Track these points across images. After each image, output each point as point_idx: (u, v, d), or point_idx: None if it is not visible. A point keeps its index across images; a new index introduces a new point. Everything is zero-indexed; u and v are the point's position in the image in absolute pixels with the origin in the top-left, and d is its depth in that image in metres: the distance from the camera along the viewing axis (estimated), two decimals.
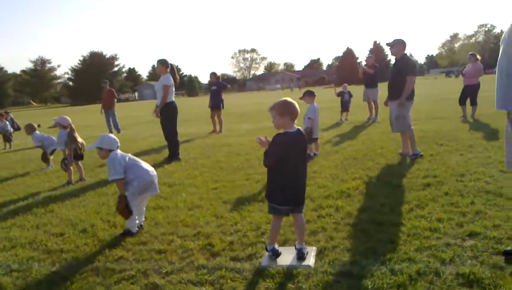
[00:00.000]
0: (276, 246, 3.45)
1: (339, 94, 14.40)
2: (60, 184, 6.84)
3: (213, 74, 13.46)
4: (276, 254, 3.37)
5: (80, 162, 7.03)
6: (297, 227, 3.47)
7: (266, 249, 3.45)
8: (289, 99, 3.34)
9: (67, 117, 6.97)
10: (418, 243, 3.45)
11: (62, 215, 5.05)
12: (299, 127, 3.35)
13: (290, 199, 3.31)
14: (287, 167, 3.26)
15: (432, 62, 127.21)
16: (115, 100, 15.73)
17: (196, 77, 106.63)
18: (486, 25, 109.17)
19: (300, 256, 3.33)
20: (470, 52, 12.85)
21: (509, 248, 3.14)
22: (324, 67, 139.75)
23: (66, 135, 6.78)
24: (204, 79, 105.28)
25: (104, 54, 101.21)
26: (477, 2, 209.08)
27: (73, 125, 6.86)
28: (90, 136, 11.76)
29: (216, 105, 13.07)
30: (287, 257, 3.37)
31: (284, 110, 3.26)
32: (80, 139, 6.89)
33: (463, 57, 77.09)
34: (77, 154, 6.87)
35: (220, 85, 13.40)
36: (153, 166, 4.57)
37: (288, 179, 3.28)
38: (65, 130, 6.79)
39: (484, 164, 5.90)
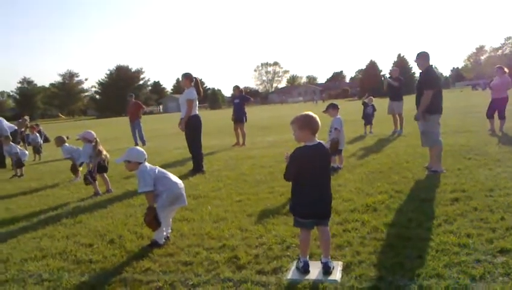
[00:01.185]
0: (308, 258, 3.44)
1: (364, 104, 14.34)
2: (88, 195, 7.00)
3: (236, 87, 13.61)
4: (306, 267, 3.36)
5: (105, 174, 7.18)
6: (322, 240, 3.46)
7: (299, 260, 3.45)
8: (310, 113, 3.38)
9: (91, 131, 7.15)
10: (447, 259, 3.39)
11: (90, 226, 5.16)
12: (321, 141, 3.37)
13: (313, 212, 3.32)
14: (308, 180, 3.30)
15: (458, 75, 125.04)
16: (141, 112, 16.03)
17: (219, 90, 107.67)
18: None
19: (326, 270, 3.31)
20: (497, 65, 12.62)
21: None
22: (347, 79, 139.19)
23: (91, 149, 6.94)
24: (228, 92, 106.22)
25: (129, 67, 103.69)
26: (503, 14, 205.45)
27: (98, 139, 7.04)
28: (117, 148, 12.02)
29: (239, 118, 13.18)
30: (313, 271, 3.36)
31: (304, 124, 3.31)
32: (104, 152, 7.06)
33: (489, 69, 75.53)
34: (101, 167, 7.02)
35: (242, 98, 13.52)
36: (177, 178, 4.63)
37: (310, 192, 3.30)
38: (90, 144, 6.96)
39: None
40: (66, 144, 8.74)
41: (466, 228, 4.06)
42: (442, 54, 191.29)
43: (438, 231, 4.06)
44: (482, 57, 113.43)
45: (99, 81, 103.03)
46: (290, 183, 3.43)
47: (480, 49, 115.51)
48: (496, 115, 11.53)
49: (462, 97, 38.80)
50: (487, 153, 7.90)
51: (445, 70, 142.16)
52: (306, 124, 3.30)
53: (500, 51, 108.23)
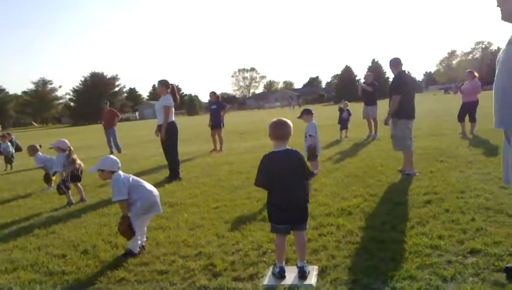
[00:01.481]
0: (283, 264, 3.45)
1: (340, 110, 14.51)
2: (61, 205, 6.85)
3: (213, 93, 13.59)
4: (281, 273, 3.37)
5: (79, 183, 7.06)
6: (297, 245, 3.49)
7: (275, 266, 3.46)
8: (281, 119, 3.44)
9: (65, 140, 7.03)
10: (419, 261, 3.45)
11: (64, 237, 5.05)
12: (289, 148, 3.40)
13: (285, 217, 3.35)
14: (277, 185, 3.34)
15: (430, 79, 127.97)
16: (116, 120, 15.82)
17: (196, 96, 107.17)
18: (483, 42, 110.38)
19: (302, 274, 3.33)
20: (468, 70, 12.96)
21: (510, 265, 3.15)
22: (323, 84, 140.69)
23: (65, 158, 6.83)
24: (205, 98, 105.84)
25: (105, 74, 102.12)
26: (474, 19, 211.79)
27: (71, 147, 6.92)
28: (92, 156, 11.82)
29: (216, 124, 13.17)
30: (289, 276, 3.37)
31: (270, 131, 3.42)
32: (78, 161, 6.95)
33: (461, 73, 77.69)
34: (74, 176, 6.91)
35: (219, 104, 13.52)
36: (153, 186, 4.60)
37: (281, 198, 3.33)
38: (64, 153, 6.84)
39: (484, 181, 5.92)
40: (39, 153, 8.55)
41: (438, 229, 4.15)
42: (416, 59, 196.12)
43: (411, 233, 4.14)
44: (454, 62, 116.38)
45: (73, 88, 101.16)
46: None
47: (452, 54, 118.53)
48: (466, 118, 11.84)
49: (434, 101, 39.72)
50: (458, 156, 8.10)
51: (418, 75, 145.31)
52: (271, 131, 3.42)
53: (470, 55, 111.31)
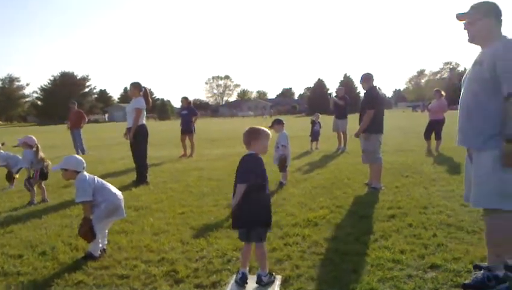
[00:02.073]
0: (246, 270, 3.43)
1: (312, 122, 14.68)
2: (22, 205, 6.61)
3: (184, 99, 13.49)
4: (243, 278, 3.35)
5: (42, 183, 6.85)
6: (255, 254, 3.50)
7: (238, 272, 3.45)
8: (249, 127, 3.49)
9: (32, 137, 6.84)
10: (381, 274, 3.50)
11: (22, 237, 4.87)
12: (246, 153, 3.42)
13: (233, 223, 3.45)
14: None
15: (400, 96, 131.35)
16: (84, 121, 15.45)
17: (169, 101, 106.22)
18: (451, 62, 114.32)
19: (258, 281, 3.34)
20: (435, 89, 13.38)
21: (468, 281, 3.23)
22: (296, 96, 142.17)
23: (33, 154, 6.62)
24: (177, 103, 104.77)
25: (75, 74, 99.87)
26: (443, 40, 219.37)
27: (39, 145, 6.73)
28: (56, 156, 11.46)
29: (187, 129, 13.07)
30: (251, 285, 3.35)
31: None
32: (45, 159, 6.76)
33: (429, 92, 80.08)
34: (43, 174, 6.71)
35: (191, 110, 13.42)
36: (119, 189, 4.51)
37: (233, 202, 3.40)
38: (31, 149, 6.63)
39: (446, 197, 6.09)
40: (1, 150, 8.24)
41: (400, 243, 4.23)
42: (386, 76, 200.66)
43: (374, 246, 4.19)
44: (423, 80, 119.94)
45: (41, 87, 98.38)
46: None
47: (421, 73, 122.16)
48: (433, 136, 12.18)
49: (403, 118, 40.72)
50: (423, 172, 8.31)
51: (388, 91, 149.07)
52: None
53: (439, 75, 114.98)
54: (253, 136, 3.39)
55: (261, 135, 3.39)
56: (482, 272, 3.22)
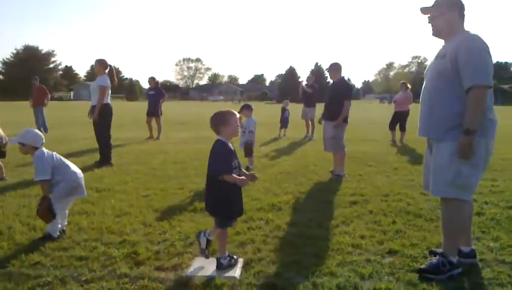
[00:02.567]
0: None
1: (282, 109, 14.74)
2: None
3: (152, 79, 13.20)
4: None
5: (0, 161, 6.59)
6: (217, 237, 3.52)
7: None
8: (216, 112, 3.41)
9: None
10: (340, 258, 3.57)
11: None
12: (216, 139, 3.35)
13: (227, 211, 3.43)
14: None
15: (368, 87, 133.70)
16: (47, 98, 14.93)
17: (137, 81, 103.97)
18: (419, 57, 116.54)
19: (218, 265, 3.35)
20: (401, 81, 13.67)
21: (423, 266, 3.34)
22: (267, 83, 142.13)
23: None
24: (146, 84, 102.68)
25: (40, 49, 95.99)
26: (412, 35, 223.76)
27: None
28: (16, 133, 11.09)
29: (154, 111, 12.84)
30: (212, 267, 3.36)
31: None
32: (4, 136, 6.49)
33: (396, 85, 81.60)
34: (1, 152, 6.45)
35: (158, 91, 13.17)
36: (82, 169, 4.39)
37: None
38: None
39: (407, 186, 6.26)
40: None
41: (361, 229, 4.33)
42: (356, 67, 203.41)
43: (335, 231, 4.28)
44: (391, 73, 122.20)
45: (3, 60, 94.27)
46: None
47: (390, 66, 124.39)
48: (397, 127, 12.47)
49: (370, 109, 41.50)
50: (386, 162, 8.51)
51: (357, 82, 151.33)
52: None
53: (407, 68, 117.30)
54: (222, 122, 3.29)
55: (230, 120, 3.30)
56: (437, 257, 3.34)
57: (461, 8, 3.30)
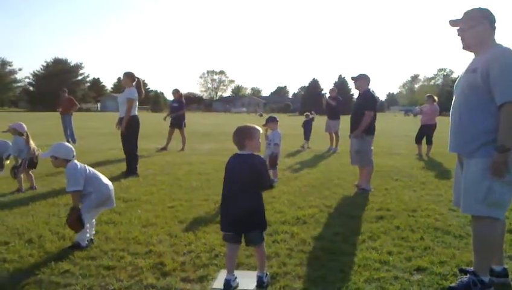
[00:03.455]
0: (229, 276, 3.28)
1: (305, 119, 14.81)
2: (9, 191, 6.55)
3: (176, 91, 13.41)
4: (226, 286, 3.22)
5: (30, 171, 6.77)
6: (256, 256, 3.45)
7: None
8: (239, 126, 3.41)
9: (23, 124, 6.75)
10: (367, 274, 3.52)
11: (9, 224, 4.82)
12: (244, 153, 3.31)
13: (226, 224, 3.31)
14: (225, 189, 3.34)
15: (393, 100, 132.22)
16: (74, 108, 15.39)
17: (162, 93, 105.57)
18: (445, 69, 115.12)
19: (260, 284, 3.28)
20: (428, 94, 13.47)
21: (453, 285, 3.26)
22: (290, 95, 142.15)
23: (23, 143, 6.54)
24: (170, 96, 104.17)
25: (68, 61, 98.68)
26: (438, 46, 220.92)
27: (28, 133, 6.66)
28: (46, 144, 11.34)
29: (177, 122, 12.98)
30: (242, 280, 3.34)
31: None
32: (35, 148, 6.68)
33: (422, 97, 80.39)
34: (31, 163, 6.63)
35: (181, 103, 13.32)
36: (108, 179, 4.48)
37: (224, 202, 3.32)
38: (20, 137, 6.55)
39: (435, 201, 6.14)
40: None
41: (388, 245, 4.26)
42: (380, 79, 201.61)
43: (361, 246, 4.22)
44: (416, 85, 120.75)
45: (34, 72, 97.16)
46: None
47: (415, 78, 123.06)
48: (424, 141, 12.27)
49: (395, 121, 40.96)
50: (413, 176, 8.37)
51: (381, 95, 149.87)
52: None
53: (432, 81, 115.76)
54: (248, 136, 3.28)
55: (255, 134, 3.30)
56: (468, 276, 3.25)
57: (492, 20, 3.22)
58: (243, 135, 3.31)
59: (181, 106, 13.21)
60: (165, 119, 13.31)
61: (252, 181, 3.21)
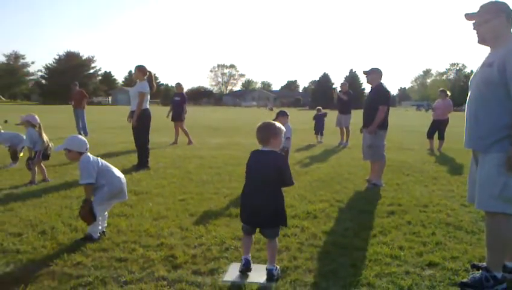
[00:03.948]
0: (249, 257, 3.45)
1: (317, 116, 14.78)
2: (22, 183, 6.63)
3: (178, 85, 13.47)
4: (246, 265, 3.39)
5: (42, 163, 6.84)
6: (267, 249, 3.47)
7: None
8: (263, 123, 3.45)
9: (35, 115, 6.82)
10: (378, 269, 3.50)
11: (22, 215, 4.88)
12: (267, 149, 3.35)
13: (246, 218, 3.41)
14: (246, 184, 3.43)
15: (404, 94, 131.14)
16: (85, 101, 15.55)
17: (173, 87, 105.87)
18: (457, 64, 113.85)
19: (270, 277, 3.29)
20: (440, 89, 13.33)
21: (465, 280, 3.23)
22: (300, 89, 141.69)
23: (36, 134, 6.61)
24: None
25: (80, 54, 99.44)
26: (450, 41, 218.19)
27: (41, 124, 6.72)
28: (59, 137, 11.48)
29: (177, 116, 12.95)
30: (252, 274, 3.36)
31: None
32: (47, 140, 6.75)
33: (434, 92, 79.82)
34: (44, 155, 6.71)
35: (183, 97, 13.30)
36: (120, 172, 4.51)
37: (245, 197, 3.41)
38: (33, 129, 6.62)
39: (447, 197, 6.09)
40: (1, 130, 8.22)
41: (399, 240, 4.23)
42: (392, 73, 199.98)
43: (372, 241, 4.20)
44: (428, 80, 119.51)
45: (46, 65, 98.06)
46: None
47: (427, 72, 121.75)
48: (435, 136, 12.16)
49: (406, 116, 40.64)
50: (424, 171, 8.31)
51: (393, 89, 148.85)
52: None
53: (445, 75, 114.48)
54: (273, 134, 3.34)
55: (280, 133, 3.37)
56: (480, 272, 3.23)
57: (509, 13, 3.14)
58: (268, 132, 3.36)
59: (183, 100, 13.20)
60: (167, 116, 13.31)
61: (274, 178, 3.29)
